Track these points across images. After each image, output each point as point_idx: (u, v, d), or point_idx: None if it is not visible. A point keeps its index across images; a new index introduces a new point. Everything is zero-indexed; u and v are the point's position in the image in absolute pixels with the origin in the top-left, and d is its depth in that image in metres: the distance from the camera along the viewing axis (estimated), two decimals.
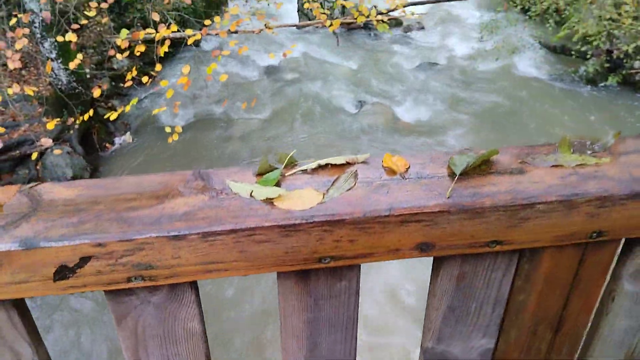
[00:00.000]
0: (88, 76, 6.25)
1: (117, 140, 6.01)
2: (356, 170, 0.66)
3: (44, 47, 5.35)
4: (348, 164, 0.68)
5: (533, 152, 0.70)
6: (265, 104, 7.07)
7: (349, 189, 0.63)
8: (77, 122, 4.53)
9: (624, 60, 6.97)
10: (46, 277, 0.57)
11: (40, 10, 4.96)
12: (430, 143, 6.07)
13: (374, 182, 0.65)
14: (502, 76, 7.63)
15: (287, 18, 9.42)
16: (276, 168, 0.67)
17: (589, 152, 0.69)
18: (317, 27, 8.84)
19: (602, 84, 7.19)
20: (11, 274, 0.56)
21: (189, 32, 3.52)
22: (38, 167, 5.15)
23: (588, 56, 7.40)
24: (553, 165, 0.67)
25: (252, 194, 0.62)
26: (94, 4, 3.65)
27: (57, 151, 4.74)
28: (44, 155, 5.07)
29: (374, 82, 7.82)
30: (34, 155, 4.34)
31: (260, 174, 0.66)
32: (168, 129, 4.01)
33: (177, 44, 6.73)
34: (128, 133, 5.43)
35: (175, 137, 4.02)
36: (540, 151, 0.70)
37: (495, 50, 7.16)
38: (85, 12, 3.82)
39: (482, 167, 0.67)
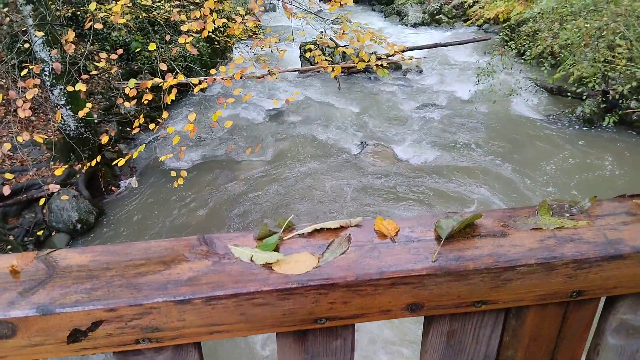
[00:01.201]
0: (96, 121, 6.40)
1: (123, 183, 6.09)
2: (349, 235, 0.71)
3: (53, 94, 5.51)
4: (342, 227, 0.73)
5: (515, 215, 0.74)
6: (268, 146, 7.20)
7: (343, 253, 0.68)
8: (84, 168, 4.62)
9: (620, 101, 7.11)
10: (60, 340, 0.61)
11: (51, 59, 5.15)
12: (431, 184, 6.13)
13: (366, 245, 0.69)
14: (501, 118, 7.76)
15: (290, 63, 9.70)
16: (275, 232, 0.71)
17: (567, 215, 0.74)
18: (318, 71, 9.09)
19: (600, 125, 7.30)
20: (28, 337, 0.60)
21: (194, 80, 3.65)
22: (44, 211, 5.22)
23: (584, 97, 7.54)
24: (533, 228, 0.71)
25: (253, 259, 0.66)
26: (103, 55, 3.80)
27: (64, 197, 4.81)
28: (50, 199, 5.14)
29: (375, 123, 7.96)
30: (41, 202, 4.41)
31: (260, 239, 0.71)
32: (173, 174, 4.08)
33: (184, 90, 6.93)
34: (134, 178, 5.51)
35: (181, 181, 4.10)
36: (521, 214, 0.74)
37: (492, 93, 7.31)
38: (95, 63, 3.96)
39: (467, 229, 0.71)
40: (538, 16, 8.34)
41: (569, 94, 7.80)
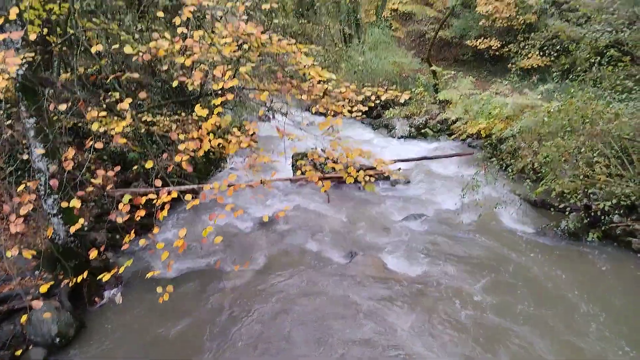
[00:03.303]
0: (86, 229, 6.42)
1: (107, 294, 5.96)
2: None
3: (46, 203, 5.58)
4: None
5: None
6: (258, 256, 7.18)
7: None
8: (71, 284, 4.57)
9: (602, 217, 7.30)
10: None
11: (48, 169, 5.29)
12: (419, 296, 6.07)
13: None
14: (487, 230, 7.89)
15: (283, 170, 10.01)
16: None
17: None
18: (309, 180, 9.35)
19: (585, 239, 7.42)
20: None
21: (188, 197, 3.76)
22: (23, 323, 5.03)
23: (567, 211, 7.75)
24: None
25: None
26: (100, 172, 3.94)
27: (46, 314, 4.69)
28: (30, 311, 4.98)
29: (364, 233, 8.05)
30: (23, 319, 4.29)
31: None
32: (159, 289, 4.03)
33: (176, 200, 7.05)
34: (119, 293, 5.42)
35: (166, 297, 4.03)
36: None
37: (478, 206, 7.51)
38: (92, 180, 4.09)
39: None
40: (517, 135, 8.86)
41: (552, 208, 8.04)
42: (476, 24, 16.59)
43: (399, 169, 9.98)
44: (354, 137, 13.55)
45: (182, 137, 4.03)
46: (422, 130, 13.75)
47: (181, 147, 3.90)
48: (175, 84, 4.08)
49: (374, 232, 8.05)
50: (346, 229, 8.22)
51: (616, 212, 7.34)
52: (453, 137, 12.40)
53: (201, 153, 4.00)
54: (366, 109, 5.96)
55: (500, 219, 8.32)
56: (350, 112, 5.89)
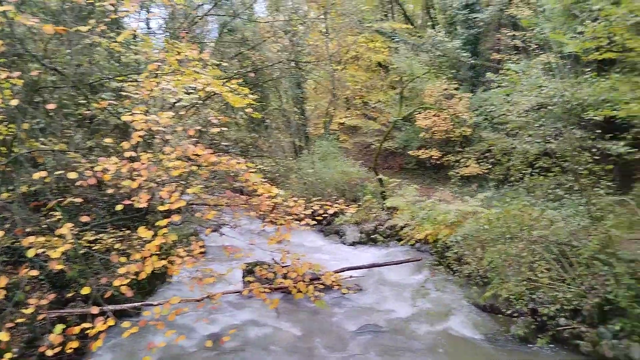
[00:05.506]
0: (16, 355, 5.88)
1: None
2: None
3: None
4: None
5: None
6: None
7: None
8: None
9: (547, 322, 7.43)
10: None
11: None
12: None
13: None
14: (440, 339, 7.83)
15: (233, 282, 9.71)
16: None
17: None
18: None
19: (534, 344, 7.47)
20: None
21: (126, 324, 3.58)
22: None
23: (515, 316, 7.87)
24: None
25: None
26: (33, 300, 3.73)
27: None
28: None
29: (317, 346, 7.78)
30: None
31: None
32: None
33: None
34: None
35: None
36: None
37: (429, 315, 7.52)
38: (22, 310, 3.85)
39: None
40: (461, 241, 9.19)
41: (501, 313, 8.14)
42: (417, 135, 17.79)
43: (350, 276, 9.97)
44: (306, 244, 13.59)
45: (123, 259, 3.93)
46: (372, 236, 13.99)
47: (122, 270, 3.79)
48: (119, 207, 4.07)
49: (328, 347, 7.79)
50: (299, 343, 7.93)
51: (561, 315, 7.51)
52: (402, 242, 12.65)
53: (143, 276, 3.89)
54: (314, 222, 6.07)
55: (452, 326, 8.29)
56: (299, 223, 6.00)
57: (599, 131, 11.36)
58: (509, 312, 8.01)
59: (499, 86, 14.98)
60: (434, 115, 16.74)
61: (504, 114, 14.46)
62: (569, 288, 7.51)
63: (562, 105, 11.39)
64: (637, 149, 9.03)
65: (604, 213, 8.24)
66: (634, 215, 8.12)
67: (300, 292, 5.39)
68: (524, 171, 11.26)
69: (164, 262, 4.00)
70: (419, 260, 10.69)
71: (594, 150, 9.36)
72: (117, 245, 6.56)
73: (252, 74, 14.20)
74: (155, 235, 3.97)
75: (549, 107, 12.51)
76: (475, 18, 18.60)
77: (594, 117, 10.52)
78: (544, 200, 9.62)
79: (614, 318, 6.98)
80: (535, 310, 7.77)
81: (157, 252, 3.98)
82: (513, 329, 7.81)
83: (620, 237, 7.96)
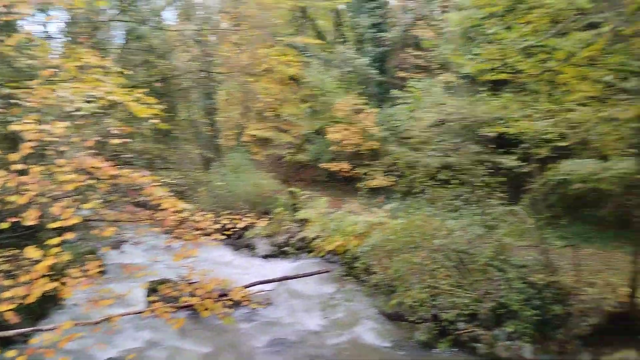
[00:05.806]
0: None
1: None
2: None
3: None
4: None
5: None
6: None
7: None
8: None
9: (448, 327, 7.87)
10: None
11: None
12: None
13: None
14: (348, 348, 7.99)
15: (135, 303, 9.20)
16: None
17: None
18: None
19: (437, 349, 7.86)
20: None
21: (10, 353, 3.25)
22: None
23: (418, 322, 8.24)
24: None
25: None
26: None
27: None
28: None
29: None
30: None
31: None
32: None
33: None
34: None
35: None
36: None
37: (339, 325, 7.67)
38: None
39: None
40: (369, 251, 9.49)
41: (406, 319, 8.49)
42: (328, 148, 18.16)
43: (261, 290, 9.87)
44: (216, 259, 13.24)
45: (8, 282, 3.59)
46: (284, 249, 13.99)
47: (6, 294, 3.46)
48: (5, 225, 3.71)
49: None
50: None
51: (461, 320, 7.98)
52: (313, 254, 12.79)
53: (31, 299, 3.57)
54: (224, 237, 5.95)
55: (360, 335, 8.49)
56: (208, 237, 5.84)
57: (493, 146, 12.39)
58: (413, 318, 8.36)
59: (404, 102, 15.82)
60: (344, 129, 17.20)
61: (408, 129, 15.30)
62: (467, 293, 8.02)
63: (460, 122, 12.24)
64: (526, 163, 9.90)
65: (497, 222, 8.92)
66: (524, 224, 8.87)
67: (208, 309, 5.22)
68: (426, 183, 11.90)
69: (55, 284, 3.70)
70: (329, 271, 10.85)
71: (488, 164, 10.15)
72: (3, 267, 5.94)
73: (159, 83, 13.69)
74: (45, 255, 3.67)
75: (449, 123, 13.41)
76: (382, 37, 19.50)
77: (489, 133, 11.47)
78: (444, 210, 10.20)
79: (507, 321, 7.55)
80: (437, 316, 8.18)
81: (49, 273, 3.68)
82: (417, 334, 8.16)
83: (511, 245, 8.68)
